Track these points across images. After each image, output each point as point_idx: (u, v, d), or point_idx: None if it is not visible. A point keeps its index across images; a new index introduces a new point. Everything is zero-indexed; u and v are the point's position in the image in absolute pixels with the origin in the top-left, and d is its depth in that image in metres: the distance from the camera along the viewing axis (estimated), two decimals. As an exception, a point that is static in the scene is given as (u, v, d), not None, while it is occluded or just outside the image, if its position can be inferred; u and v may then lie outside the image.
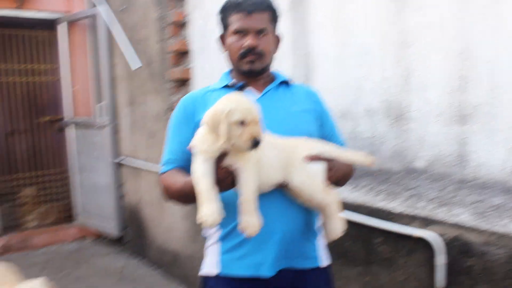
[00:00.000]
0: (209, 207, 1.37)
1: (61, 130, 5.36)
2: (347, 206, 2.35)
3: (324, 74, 2.56)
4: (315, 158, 1.56)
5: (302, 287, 1.67)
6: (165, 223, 4.02)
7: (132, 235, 4.62)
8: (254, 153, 1.42)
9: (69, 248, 5.01)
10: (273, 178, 1.52)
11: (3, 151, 5.55)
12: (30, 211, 5.39)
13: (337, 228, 1.59)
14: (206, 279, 1.69)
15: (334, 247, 1.91)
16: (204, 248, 1.76)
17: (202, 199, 1.38)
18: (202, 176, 1.40)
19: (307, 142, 1.60)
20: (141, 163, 4.21)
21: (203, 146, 1.43)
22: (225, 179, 1.42)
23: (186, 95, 1.77)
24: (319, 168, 1.56)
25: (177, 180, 1.59)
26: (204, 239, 1.76)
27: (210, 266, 1.67)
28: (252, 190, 1.42)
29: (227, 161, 1.42)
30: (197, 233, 3.57)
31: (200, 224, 1.42)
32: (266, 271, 1.59)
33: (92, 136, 4.80)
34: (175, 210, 3.83)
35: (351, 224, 2.21)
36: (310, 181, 1.54)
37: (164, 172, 1.68)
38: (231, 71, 1.79)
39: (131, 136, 4.38)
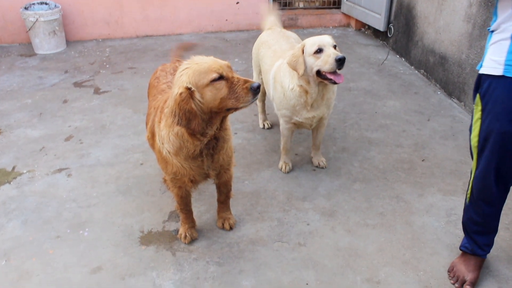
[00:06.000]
0: None
1: None
2: None
3: None
4: None
5: None
6: (440, 23, 3.77)
7: (397, 31, 4.53)
8: None
9: (332, 33, 5.24)
10: None
11: None
12: (301, -8, 5.66)
13: None
14: (486, 77, 1.54)
15: None
16: (487, 43, 1.57)
17: None
18: None
19: None
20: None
21: None
22: None
23: None
24: None
25: None
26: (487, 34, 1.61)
27: (493, 64, 1.50)
28: None
29: None
30: (477, 38, 3.28)
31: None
32: None
33: None
34: (457, 8, 3.51)
35: None
36: None
37: None
38: None
39: None
